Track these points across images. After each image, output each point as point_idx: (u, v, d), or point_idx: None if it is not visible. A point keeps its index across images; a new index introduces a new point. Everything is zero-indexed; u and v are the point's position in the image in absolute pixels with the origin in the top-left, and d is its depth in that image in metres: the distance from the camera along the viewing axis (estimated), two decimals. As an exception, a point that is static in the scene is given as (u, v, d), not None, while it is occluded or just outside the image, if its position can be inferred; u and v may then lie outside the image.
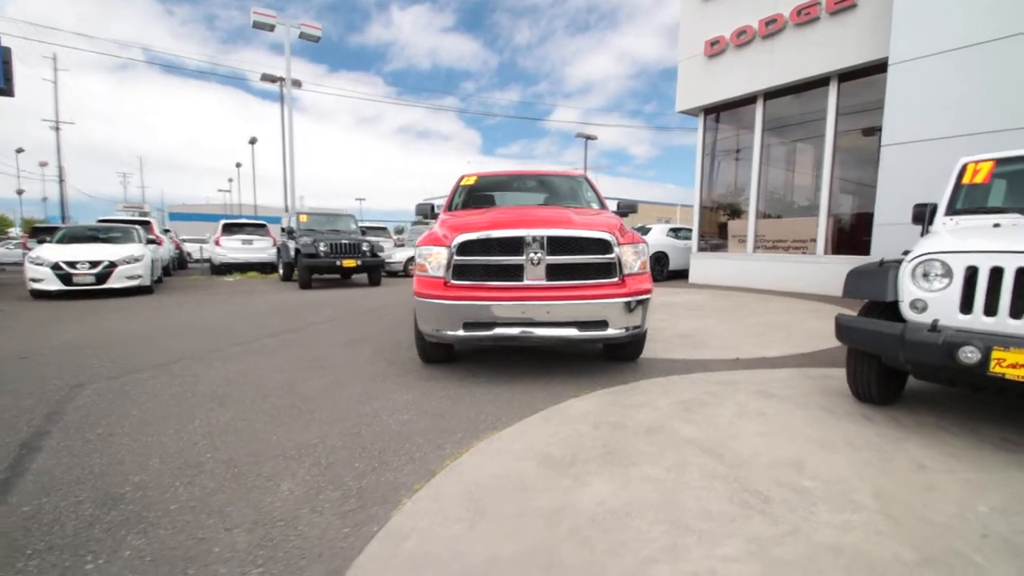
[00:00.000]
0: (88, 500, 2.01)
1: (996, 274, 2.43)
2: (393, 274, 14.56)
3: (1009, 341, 2.27)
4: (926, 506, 1.99)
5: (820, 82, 8.34)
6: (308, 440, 2.63)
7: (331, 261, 10.52)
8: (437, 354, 4.09)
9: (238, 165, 45.25)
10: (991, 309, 2.43)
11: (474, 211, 4.52)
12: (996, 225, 2.95)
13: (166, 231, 17.01)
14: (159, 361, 4.31)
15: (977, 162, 3.52)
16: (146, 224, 12.42)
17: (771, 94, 9.12)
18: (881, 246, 6.89)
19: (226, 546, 1.72)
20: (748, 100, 9.45)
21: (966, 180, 3.52)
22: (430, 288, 3.57)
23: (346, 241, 10.90)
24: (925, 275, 2.68)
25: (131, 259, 8.73)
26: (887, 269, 2.86)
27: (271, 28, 14.55)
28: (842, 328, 2.91)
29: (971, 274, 2.51)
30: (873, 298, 2.87)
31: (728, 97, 9.66)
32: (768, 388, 3.53)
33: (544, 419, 2.98)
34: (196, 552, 1.69)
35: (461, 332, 3.48)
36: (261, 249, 14.51)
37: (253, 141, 35.34)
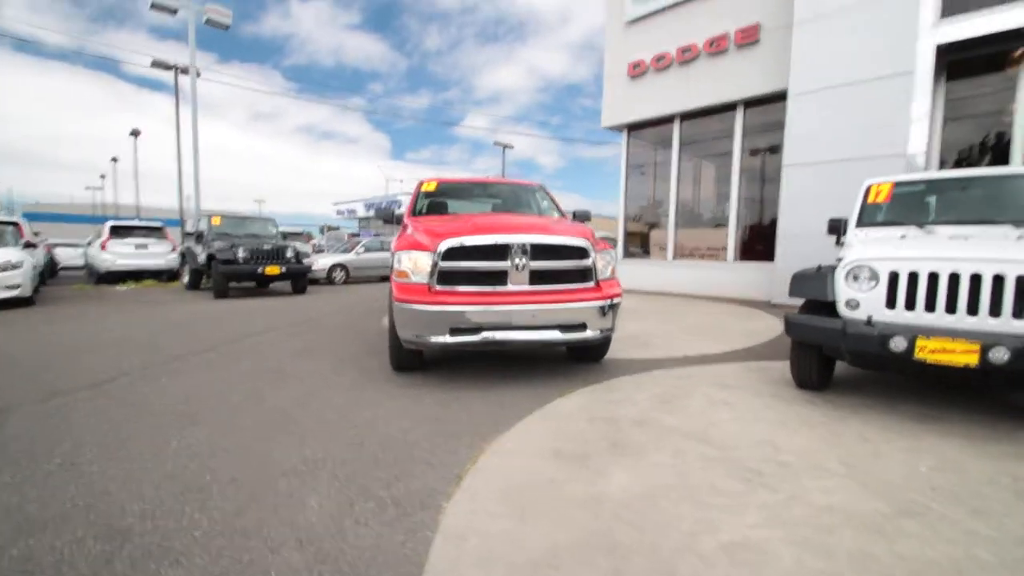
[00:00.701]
0: (89, 536, 1.79)
1: (913, 277, 2.97)
2: (314, 281, 13.80)
3: (929, 331, 2.79)
4: (881, 470, 2.40)
5: (729, 107, 9.36)
6: (313, 454, 2.52)
7: (252, 268, 9.77)
8: (411, 362, 4.05)
9: (114, 160, 40.12)
10: (910, 305, 2.97)
11: (445, 217, 4.53)
12: (903, 236, 3.58)
13: (36, 234, 14.68)
14: (90, 380, 3.80)
15: (879, 184, 4.23)
16: (14, 225, 10.64)
17: (687, 115, 10.06)
18: (785, 254, 7.89)
19: (281, 566, 1.64)
20: (667, 120, 10.33)
21: (871, 199, 4.21)
22: (413, 294, 3.54)
23: (268, 246, 10.18)
24: (856, 278, 3.18)
25: (8, 265, 7.47)
26: (825, 273, 3.36)
27: (173, 11, 13.14)
28: (791, 325, 3.37)
29: (893, 277, 3.03)
30: (815, 298, 3.35)
31: (649, 116, 10.48)
32: (723, 381, 3.94)
33: (540, 418, 3.10)
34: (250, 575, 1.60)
35: (447, 338, 3.49)
36: (159, 255, 13.04)
37: (136, 133, 31.53)
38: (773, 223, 8.81)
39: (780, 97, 8.46)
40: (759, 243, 9.19)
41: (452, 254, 3.52)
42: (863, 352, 3.01)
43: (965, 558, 1.71)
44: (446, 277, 3.55)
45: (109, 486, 2.16)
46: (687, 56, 9.54)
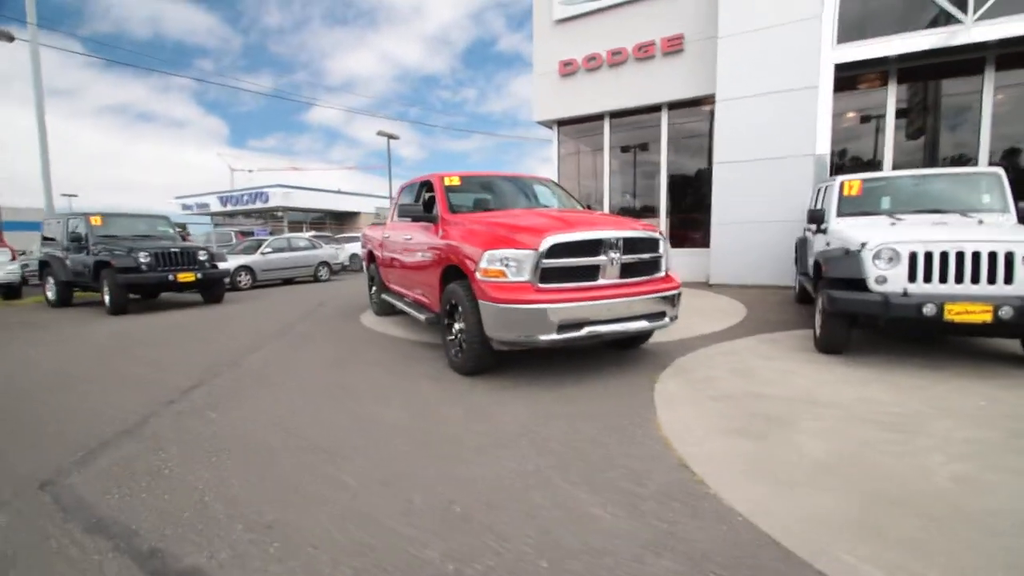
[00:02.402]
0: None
1: (928, 256, 3.74)
2: (212, 288, 11.99)
3: (953, 298, 3.56)
4: (957, 408, 3.03)
5: (655, 108, 10.29)
6: (519, 467, 2.40)
7: (161, 276, 8.21)
8: (490, 364, 3.91)
9: None
10: (927, 278, 3.74)
11: (506, 212, 4.41)
12: (893, 224, 4.43)
13: None
14: (113, 429, 3.02)
15: (850, 180, 5.13)
16: None
17: (616, 114, 10.80)
18: (719, 240, 9.01)
19: (661, 571, 1.62)
20: (598, 117, 10.98)
21: (846, 193, 5.09)
22: (516, 293, 3.45)
23: (175, 249, 8.64)
24: (880, 258, 3.89)
25: None
26: (855, 255, 4.03)
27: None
28: (836, 300, 3.97)
29: (913, 256, 3.78)
30: (851, 276, 3.99)
31: (581, 113, 11.03)
32: (760, 353, 4.49)
33: (667, 403, 3.27)
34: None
35: (555, 335, 3.47)
36: (-6, 265, 10.24)
37: None
38: (696, 212, 9.97)
39: (701, 101, 9.56)
40: (687, 230, 10.31)
41: (555, 251, 3.50)
42: (902, 318, 3.71)
43: (1090, 461, 2.32)
44: (547, 274, 3.52)
45: (355, 535, 1.85)
46: (617, 59, 10.23)
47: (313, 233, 18.79)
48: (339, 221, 43.08)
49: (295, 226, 38.32)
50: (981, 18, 6.86)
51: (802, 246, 6.82)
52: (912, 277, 3.78)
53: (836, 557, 1.68)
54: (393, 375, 4.05)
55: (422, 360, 4.53)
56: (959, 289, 3.65)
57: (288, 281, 14.44)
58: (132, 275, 8.02)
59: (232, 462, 2.51)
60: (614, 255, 3.67)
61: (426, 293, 4.83)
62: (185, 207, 45.50)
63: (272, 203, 38.86)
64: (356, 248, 20.17)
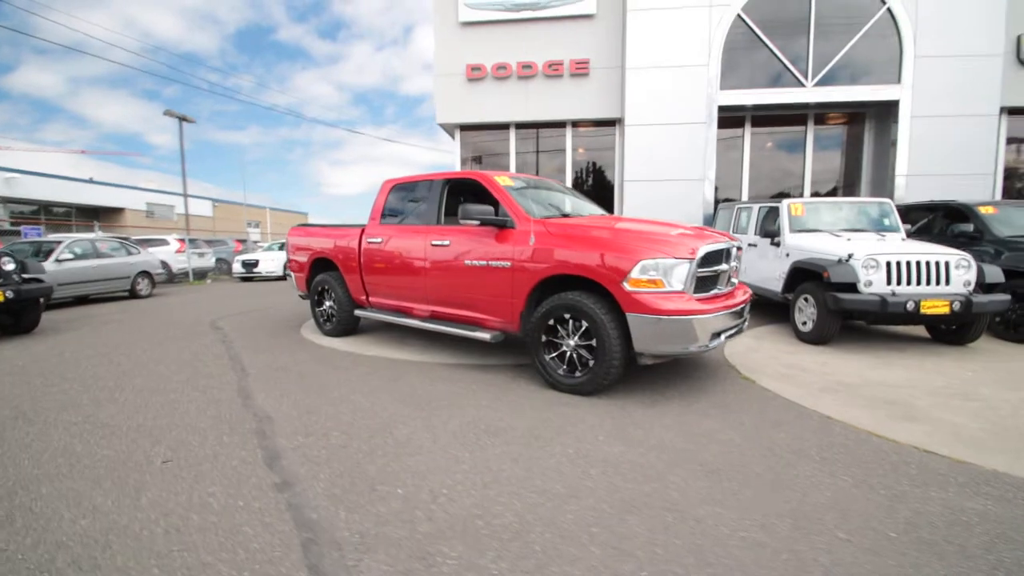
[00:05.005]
0: None
1: (898, 265, 4.91)
2: None
3: (925, 296, 4.74)
4: (961, 376, 4.09)
5: (560, 124, 10.87)
6: (820, 481, 2.40)
7: (-55, 296, 5.30)
8: (616, 380, 3.69)
9: None
10: (899, 282, 4.91)
11: (588, 218, 4.15)
12: (849, 239, 5.63)
13: None
14: (270, 552, 1.93)
15: (794, 203, 6.33)
16: None
17: (522, 125, 11.04)
18: (630, 249, 9.97)
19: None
20: (503, 126, 11.04)
21: (793, 213, 6.27)
22: (677, 303, 3.37)
23: (-40, 256, 5.68)
24: (866, 266, 4.96)
25: None
26: (847, 264, 5.03)
27: None
28: (842, 301, 4.89)
29: (888, 265, 4.92)
30: (847, 281, 4.97)
31: (487, 121, 10.94)
32: (776, 348, 5.21)
33: (806, 400, 3.60)
34: None
35: (707, 344, 3.49)
36: None
37: None
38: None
39: (604, 123, 10.50)
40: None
41: (704, 260, 3.52)
42: (892, 313, 4.78)
43: (1092, 404, 3.43)
44: (698, 284, 3.52)
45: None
46: (527, 72, 10.49)
47: (105, 234, 14.20)
48: (92, 218, 33.56)
49: (19, 220, 28.19)
50: (817, 84, 9.21)
51: (723, 256, 8.09)
52: (889, 281, 4.91)
53: None
54: (521, 409, 3.48)
55: (507, 385, 3.98)
56: (920, 289, 4.89)
57: (83, 300, 10.80)
58: None
59: (577, 554, 1.89)
60: (734, 263, 3.86)
61: (489, 308, 4.25)
62: None
63: (-18, 191, 28.06)
64: (165, 253, 16.07)
